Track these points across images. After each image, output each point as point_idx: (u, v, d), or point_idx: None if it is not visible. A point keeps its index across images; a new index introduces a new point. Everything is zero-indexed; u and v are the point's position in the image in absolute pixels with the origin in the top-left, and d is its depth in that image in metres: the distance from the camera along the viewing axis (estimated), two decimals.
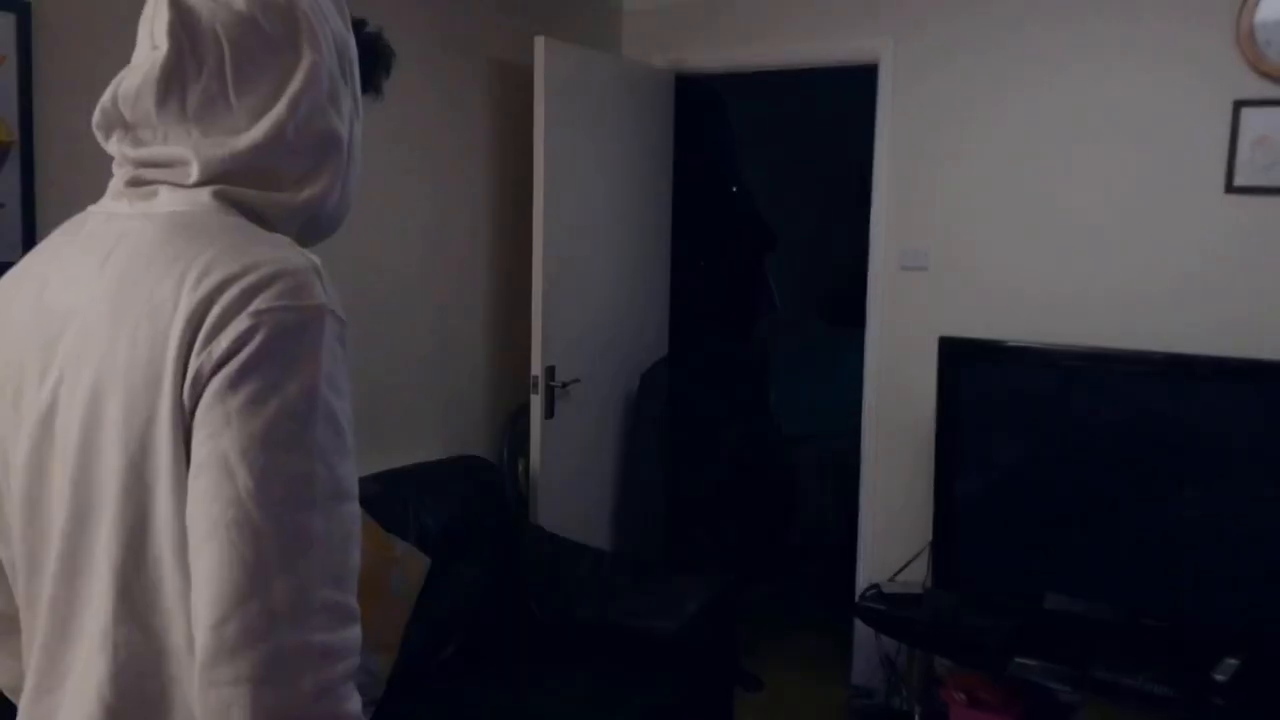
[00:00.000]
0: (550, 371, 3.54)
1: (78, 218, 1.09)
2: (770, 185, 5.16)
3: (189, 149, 1.01)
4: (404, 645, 2.74)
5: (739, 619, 3.39)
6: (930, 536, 3.36)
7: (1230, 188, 3.14)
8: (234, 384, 0.88)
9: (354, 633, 0.92)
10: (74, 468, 0.97)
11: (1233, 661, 2.79)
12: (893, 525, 3.75)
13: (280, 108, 1.02)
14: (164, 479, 0.92)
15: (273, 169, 1.03)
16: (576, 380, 3.65)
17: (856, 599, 3.52)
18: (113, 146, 1.06)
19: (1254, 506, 2.88)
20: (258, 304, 0.90)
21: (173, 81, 1.00)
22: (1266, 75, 3.05)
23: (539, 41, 3.42)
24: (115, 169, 1.08)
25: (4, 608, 1.15)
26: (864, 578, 3.78)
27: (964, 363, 3.24)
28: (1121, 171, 3.31)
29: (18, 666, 1.13)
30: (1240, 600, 2.91)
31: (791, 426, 5.14)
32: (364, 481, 1.96)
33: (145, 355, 0.92)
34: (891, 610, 3.30)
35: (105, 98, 1.04)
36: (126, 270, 0.97)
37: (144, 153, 1.03)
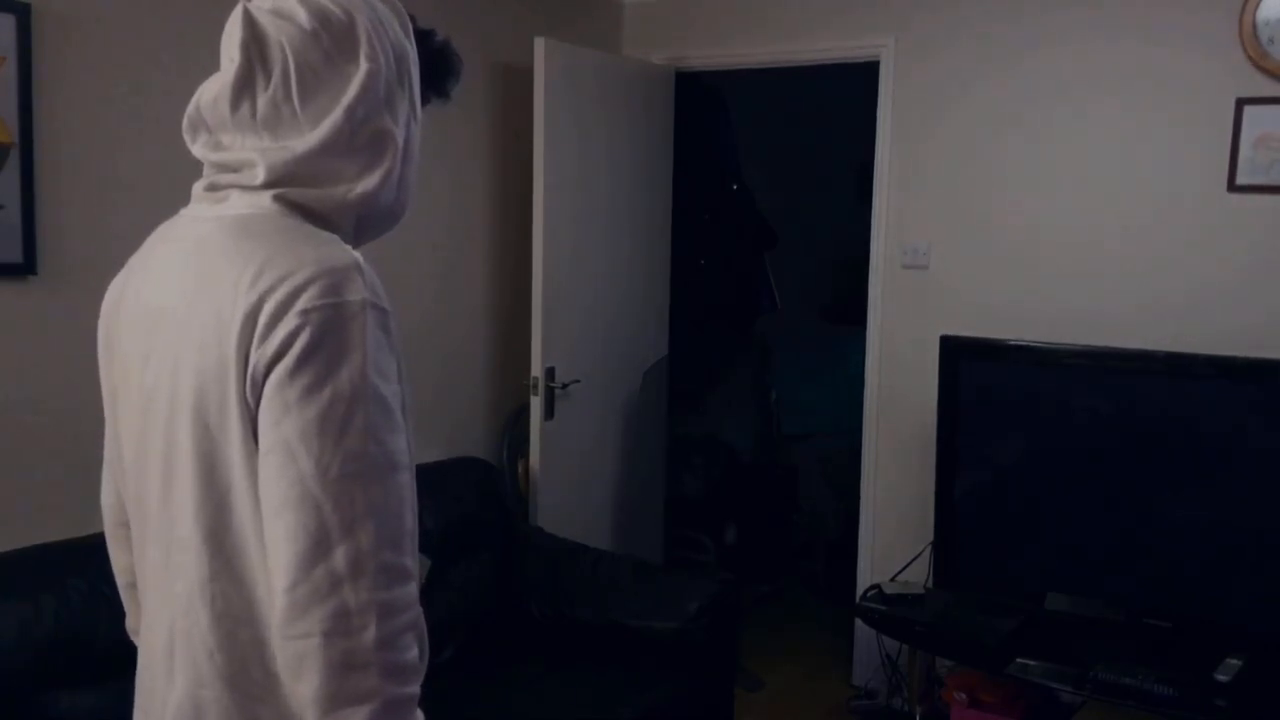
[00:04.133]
0: (550, 372, 3.53)
1: (171, 220, 1.21)
2: (771, 183, 5.14)
3: (257, 153, 1.12)
4: None
5: (739, 619, 3.38)
6: (931, 536, 3.36)
7: (1232, 186, 3.13)
8: (290, 377, 1.01)
9: (410, 589, 1.05)
10: (162, 444, 1.12)
11: (1235, 661, 2.78)
12: (893, 525, 3.75)
13: (338, 114, 1.12)
14: (237, 457, 1.05)
15: (330, 170, 1.13)
16: (576, 381, 3.64)
17: (857, 599, 3.52)
18: (198, 149, 1.18)
19: (1256, 505, 2.87)
20: (302, 303, 1.01)
21: (244, 90, 1.12)
22: (1269, 73, 3.04)
23: (539, 42, 3.42)
24: (204, 174, 1.20)
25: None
26: (865, 578, 3.77)
27: (965, 361, 3.23)
28: (1123, 169, 3.30)
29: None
30: (1242, 600, 2.91)
31: (791, 426, 5.13)
32: None
33: (214, 348, 1.05)
34: (893, 610, 3.29)
35: (191, 105, 1.16)
36: (200, 270, 1.09)
37: (221, 156, 1.15)
